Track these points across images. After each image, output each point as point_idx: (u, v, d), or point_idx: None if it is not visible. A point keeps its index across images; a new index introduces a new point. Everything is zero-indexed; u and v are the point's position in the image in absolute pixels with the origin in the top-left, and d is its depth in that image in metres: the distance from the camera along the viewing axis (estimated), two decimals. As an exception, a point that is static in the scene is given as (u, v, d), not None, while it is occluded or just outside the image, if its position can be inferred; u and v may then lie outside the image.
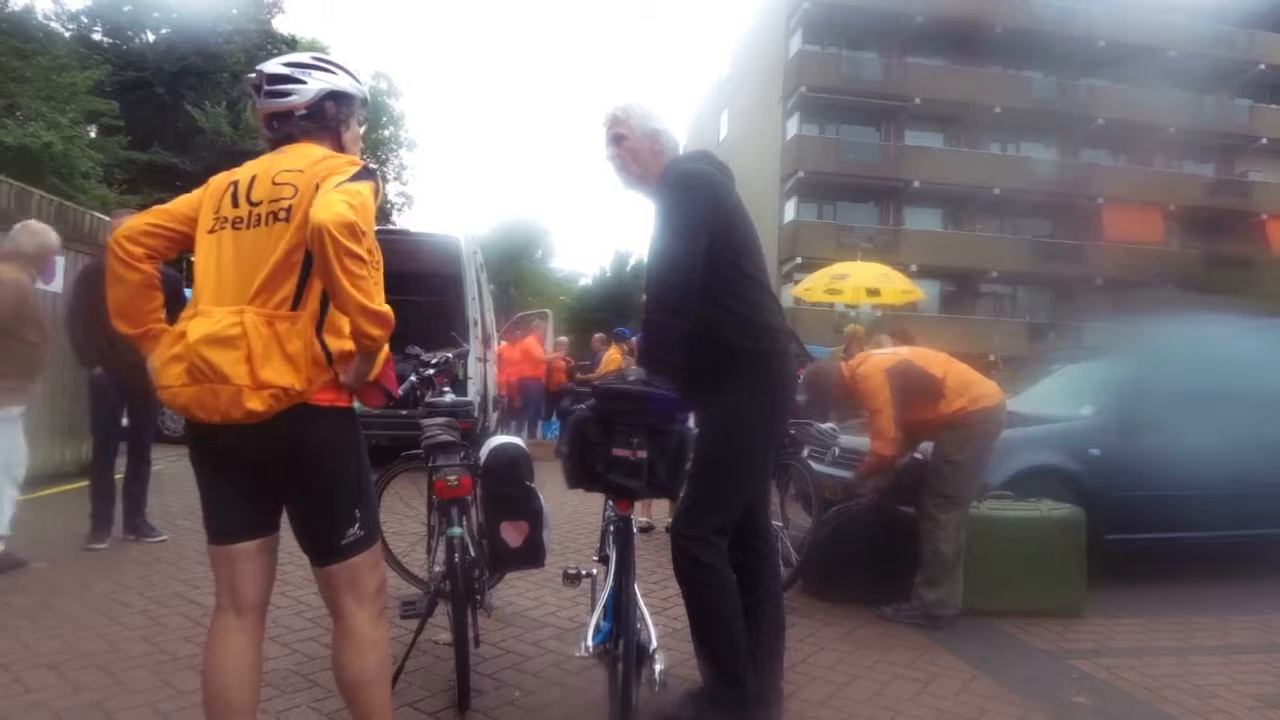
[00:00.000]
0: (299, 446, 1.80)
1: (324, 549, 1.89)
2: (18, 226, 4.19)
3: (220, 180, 1.94)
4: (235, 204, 1.86)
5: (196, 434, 1.83)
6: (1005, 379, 6.14)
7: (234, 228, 1.84)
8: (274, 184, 1.83)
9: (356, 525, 1.88)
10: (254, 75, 1.97)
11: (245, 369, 1.69)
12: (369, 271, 1.69)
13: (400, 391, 2.91)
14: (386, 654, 1.96)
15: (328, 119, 1.99)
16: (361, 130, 2.13)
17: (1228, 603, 4.23)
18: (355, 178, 1.78)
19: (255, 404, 1.69)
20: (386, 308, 1.73)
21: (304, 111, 1.96)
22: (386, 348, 1.84)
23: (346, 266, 1.63)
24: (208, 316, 1.75)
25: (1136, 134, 27.39)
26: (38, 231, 4.17)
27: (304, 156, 1.88)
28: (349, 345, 1.80)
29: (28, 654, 2.92)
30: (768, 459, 2.63)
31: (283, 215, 1.80)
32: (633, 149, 2.57)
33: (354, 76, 2.05)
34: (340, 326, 1.80)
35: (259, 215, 1.82)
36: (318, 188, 1.76)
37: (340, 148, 2.01)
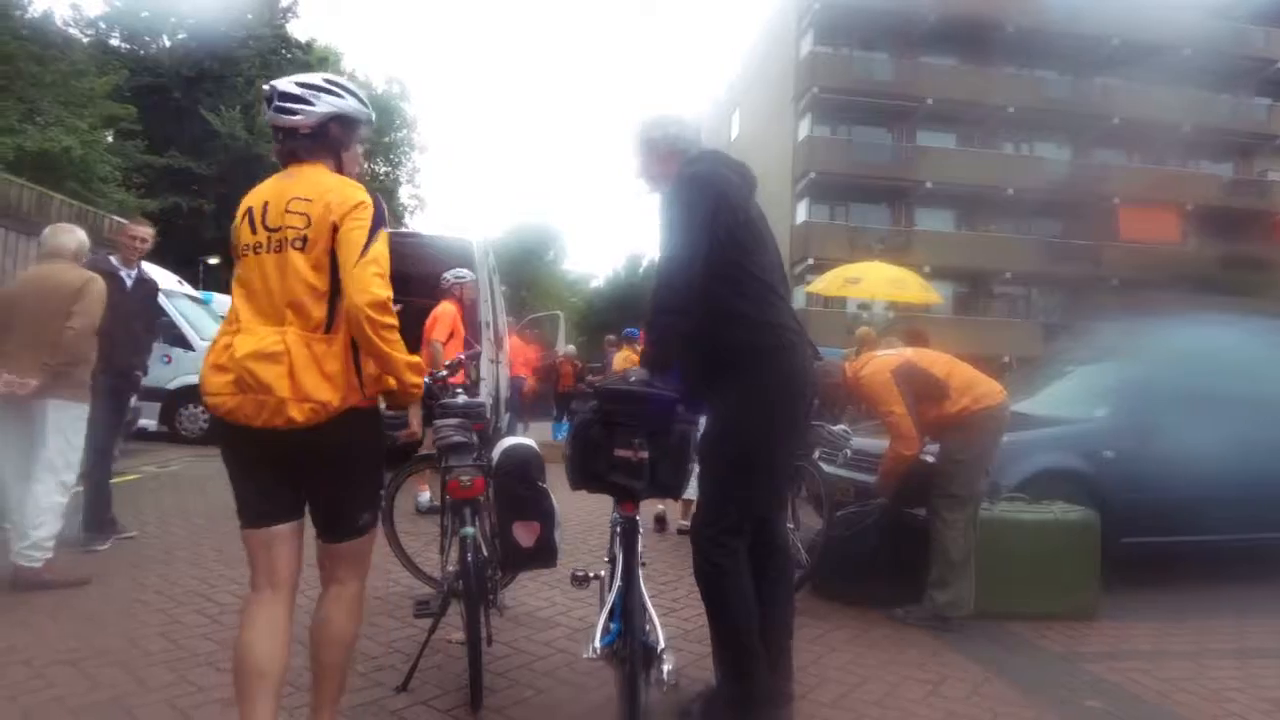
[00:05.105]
0: (336, 446, 1.99)
1: (343, 530, 2.09)
2: (46, 231, 4.12)
3: (240, 212, 2.08)
4: (254, 230, 2.01)
5: (238, 436, 1.97)
6: (1019, 380, 6.12)
7: (256, 253, 2.00)
8: (287, 211, 1.98)
9: (369, 511, 2.13)
10: (267, 88, 2.09)
11: (288, 382, 1.88)
12: (397, 333, 1.94)
13: None
14: (360, 621, 2.19)
15: (330, 139, 2.10)
16: (361, 150, 2.27)
17: (1243, 606, 4.20)
18: (372, 231, 1.95)
19: (296, 414, 1.89)
20: (417, 357, 2.00)
21: (308, 131, 2.07)
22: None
23: (384, 337, 1.91)
24: (252, 334, 1.94)
25: (1152, 133, 27.14)
26: (71, 230, 4.09)
27: (312, 184, 2.01)
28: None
29: (48, 650, 2.96)
30: (777, 457, 2.57)
31: (299, 245, 1.96)
32: (649, 160, 2.65)
33: (361, 100, 2.16)
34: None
35: (277, 241, 1.97)
36: (334, 226, 1.94)
37: (339, 165, 2.13)
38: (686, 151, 2.63)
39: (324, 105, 2.06)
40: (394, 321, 1.92)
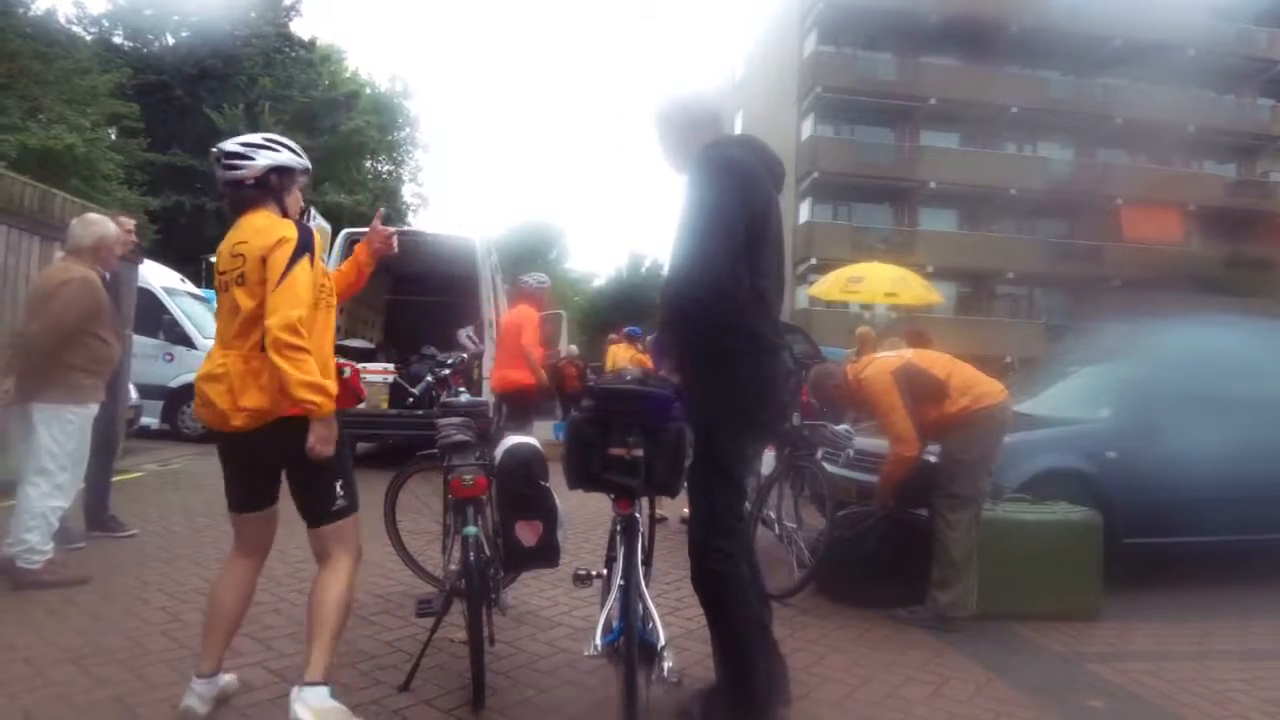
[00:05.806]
0: (288, 447, 2.33)
1: (317, 514, 2.44)
2: (74, 221, 4.02)
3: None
4: (214, 276, 2.47)
5: (216, 438, 2.45)
6: (1022, 381, 6.10)
7: (218, 292, 2.44)
8: (230, 256, 2.37)
9: (340, 498, 2.44)
10: (215, 151, 2.43)
11: (228, 398, 2.30)
12: (307, 354, 2.24)
13: (418, 391, 2.96)
14: (354, 589, 2.49)
15: (272, 188, 2.44)
16: (300, 194, 2.57)
17: (1246, 607, 4.19)
18: (293, 258, 2.28)
19: (237, 420, 2.30)
20: (325, 381, 2.28)
21: (252, 182, 2.41)
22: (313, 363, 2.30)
23: (286, 356, 2.21)
24: (210, 358, 2.39)
25: (1155, 134, 27.07)
26: (93, 222, 4.00)
27: (250, 228, 2.38)
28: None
29: (50, 648, 2.96)
30: (734, 463, 2.46)
31: (240, 281, 2.33)
32: (666, 134, 2.59)
33: (295, 152, 2.50)
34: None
35: (225, 282, 2.38)
36: (263, 259, 2.30)
37: (284, 210, 2.48)
38: (712, 123, 2.57)
39: (263, 159, 2.40)
40: (300, 343, 2.22)
